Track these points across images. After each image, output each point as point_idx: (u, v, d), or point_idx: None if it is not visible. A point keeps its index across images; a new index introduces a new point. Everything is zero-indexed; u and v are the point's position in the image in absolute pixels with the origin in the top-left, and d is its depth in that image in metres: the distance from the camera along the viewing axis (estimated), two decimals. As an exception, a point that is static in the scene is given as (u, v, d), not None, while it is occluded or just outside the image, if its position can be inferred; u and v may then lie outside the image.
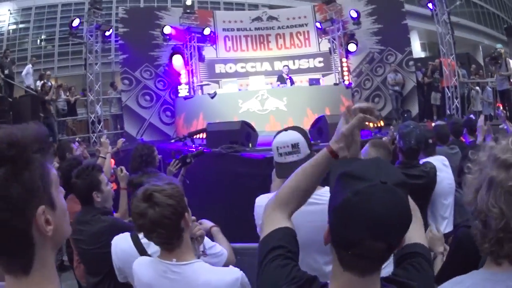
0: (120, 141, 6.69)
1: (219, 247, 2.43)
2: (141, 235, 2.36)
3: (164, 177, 2.02)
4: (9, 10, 25.06)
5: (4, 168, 0.88)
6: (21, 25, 25.61)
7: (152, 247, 2.31)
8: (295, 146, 2.16)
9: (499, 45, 12.44)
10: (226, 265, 2.32)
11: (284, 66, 13.48)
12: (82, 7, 22.56)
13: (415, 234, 1.33)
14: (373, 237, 1.01)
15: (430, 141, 3.80)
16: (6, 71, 12.33)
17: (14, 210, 0.89)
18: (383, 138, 3.91)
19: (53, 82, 13.36)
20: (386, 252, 1.06)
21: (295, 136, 2.19)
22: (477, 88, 13.62)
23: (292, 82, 12.76)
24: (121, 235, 2.50)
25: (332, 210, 1.09)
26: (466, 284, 1.19)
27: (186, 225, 1.92)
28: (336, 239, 1.09)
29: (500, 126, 9.54)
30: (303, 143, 2.18)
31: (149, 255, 2.27)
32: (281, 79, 12.65)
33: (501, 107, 11.71)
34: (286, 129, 2.27)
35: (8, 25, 25.14)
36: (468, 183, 1.22)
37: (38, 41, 26.05)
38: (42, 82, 12.47)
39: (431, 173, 3.35)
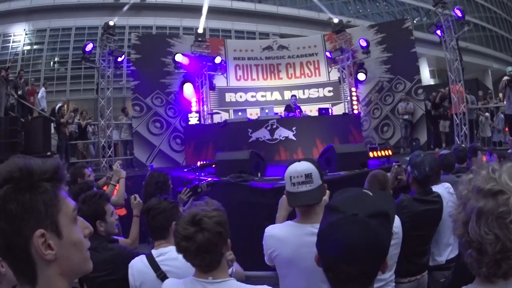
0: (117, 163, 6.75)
1: None
2: (155, 254, 2.52)
3: (208, 201, 2.02)
4: (24, 30, 25.48)
5: (7, 186, 0.99)
6: (35, 46, 25.96)
7: (165, 265, 2.45)
8: (308, 176, 2.23)
9: (510, 68, 12.13)
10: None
11: (292, 96, 13.55)
12: (96, 31, 23.02)
13: None
14: (344, 262, 1.15)
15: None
16: (20, 92, 12.64)
17: (11, 224, 0.99)
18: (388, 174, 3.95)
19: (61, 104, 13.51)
20: (363, 276, 1.18)
21: (309, 167, 2.26)
22: (487, 114, 13.53)
23: (300, 112, 12.79)
24: (137, 257, 2.59)
25: (317, 238, 1.24)
26: None
27: (227, 250, 1.98)
28: (321, 263, 1.23)
29: (509, 151, 9.61)
30: (316, 174, 2.25)
31: (162, 271, 2.42)
32: (289, 109, 12.72)
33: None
34: (299, 160, 2.34)
35: (23, 45, 25.54)
36: (454, 217, 1.29)
37: (52, 63, 26.37)
38: (60, 105, 12.67)
39: (441, 198, 3.48)
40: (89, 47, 12.77)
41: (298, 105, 13.14)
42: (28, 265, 1.02)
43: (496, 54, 34.40)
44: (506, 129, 12.27)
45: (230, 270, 2.26)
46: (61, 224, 1.05)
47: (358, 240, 1.14)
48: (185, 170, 9.54)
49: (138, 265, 2.52)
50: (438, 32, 12.52)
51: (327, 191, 2.34)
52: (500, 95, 13.92)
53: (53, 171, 1.05)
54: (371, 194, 1.28)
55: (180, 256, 2.42)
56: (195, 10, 19.89)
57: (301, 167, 2.26)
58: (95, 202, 3.03)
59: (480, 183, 1.23)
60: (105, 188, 5.79)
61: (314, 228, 2.17)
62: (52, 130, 12.21)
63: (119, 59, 13.14)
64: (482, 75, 31.82)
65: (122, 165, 5.59)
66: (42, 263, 1.02)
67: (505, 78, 11.26)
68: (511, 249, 1.17)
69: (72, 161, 12.12)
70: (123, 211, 5.23)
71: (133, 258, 2.61)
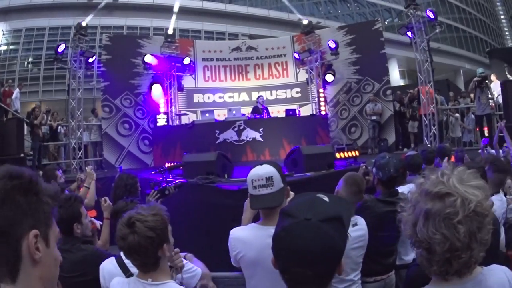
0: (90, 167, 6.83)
1: (191, 265, 2.55)
2: (124, 256, 2.50)
3: (152, 205, 2.15)
4: (2, 30, 25.22)
5: (19, 180, 1.08)
6: (11, 46, 25.75)
7: (134, 268, 2.45)
8: (269, 179, 2.27)
9: (480, 70, 12.29)
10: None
11: (258, 96, 13.53)
12: (69, 31, 22.75)
13: None
14: (298, 265, 1.17)
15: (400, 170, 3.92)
16: (-4, 93, 12.41)
17: (15, 213, 1.05)
18: None
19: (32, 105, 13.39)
20: (317, 278, 1.19)
21: (270, 170, 2.30)
22: (457, 114, 13.63)
23: (267, 113, 12.80)
24: (107, 259, 2.62)
25: (272, 242, 1.27)
26: None
27: (163, 254, 2.06)
28: (277, 265, 1.25)
29: (480, 151, 9.71)
30: (277, 177, 2.29)
31: (132, 273, 2.42)
32: (257, 110, 12.71)
33: (486, 131, 11.69)
34: (261, 163, 2.38)
35: (0, 46, 25.36)
36: (404, 220, 1.35)
37: (26, 63, 26.09)
38: (33, 106, 12.55)
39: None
40: (62, 47, 12.73)
41: (266, 106, 13.14)
42: (14, 259, 1.05)
43: (468, 54, 34.93)
44: (477, 129, 12.39)
45: (179, 276, 2.31)
46: (50, 235, 1.13)
47: (310, 244, 1.16)
48: (153, 172, 9.50)
49: (109, 267, 2.56)
50: (409, 33, 12.56)
51: (291, 193, 2.39)
52: (472, 95, 14.11)
53: (54, 194, 1.15)
54: (326, 199, 1.29)
55: None
56: (166, 11, 19.89)
57: (262, 170, 2.30)
58: (71, 205, 3.06)
59: (429, 187, 1.29)
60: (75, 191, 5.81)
61: None
62: (26, 131, 12.14)
63: (90, 60, 13.08)
64: (454, 75, 32.30)
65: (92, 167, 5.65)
66: (27, 261, 1.06)
67: (476, 79, 11.42)
68: (460, 248, 1.22)
69: (44, 163, 12.06)
70: (93, 213, 5.22)
71: (105, 259, 2.65)
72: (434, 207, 1.25)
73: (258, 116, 12.36)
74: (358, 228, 2.89)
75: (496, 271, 1.40)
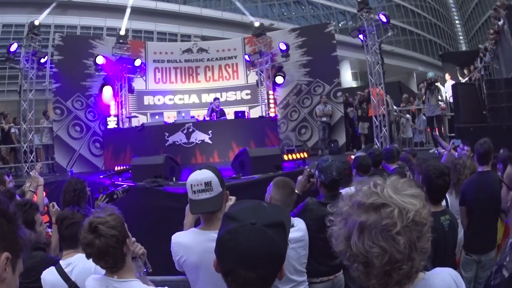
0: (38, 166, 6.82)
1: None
2: (64, 265, 2.65)
3: (104, 208, 2.24)
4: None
5: (6, 210, 1.19)
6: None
7: (75, 275, 2.59)
8: (208, 184, 2.31)
9: (430, 74, 12.63)
10: None
11: (215, 99, 13.49)
12: (22, 30, 22.20)
13: None
14: (242, 267, 1.19)
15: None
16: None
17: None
18: (298, 178, 3.91)
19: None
20: (260, 280, 1.21)
21: (208, 175, 2.34)
22: (408, 116, 13.93)
23: (222, 114, 12.83)
24: (47, 269, 2.66)
25: (216, 244, 1.29)
26: None
27: (128, 249, 2.19)
28: (220, 268, 1.28)
29: (431, 151, 9.98)
30: (216, 181, 2.33)
31: (73, 282, 2.55)
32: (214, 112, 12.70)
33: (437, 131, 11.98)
34: (200, 168, 2.43)
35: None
36: (335, 234, 1.31)
37: (-22, 62, 25.40)
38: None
39: None
40: (14, 47, 12.40)
41: (221, 108, 13.12)
42: None
43: (422, 57, 35.80)
44: (428, 129, 12.68)
45: (137, 274, 2.39)
46: (18, 263, 1.22)
47: (255, 246, 1.19)
48: (101, 176, 9.50)
49: (50, 278, 2.59)
50: (361, 36, 12.71)
51: (232, 197, 2.48)
52: (424, 96, 14.43)
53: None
54: (266, 205, 1.33)
55: (86, 265, 2.57)
56: (120, 10, 19.75)
57: (201, 175, 2.34)
58: (25, 212, 3.03)
59: (361, 198, 1.25)
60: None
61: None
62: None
63: (42, 60, 12.77)
64: (407, 77, 33.04)
65: (42, 170, 5.59)
66: None
67: (425, 82, 11.73)
68: (400, 260, 1.19)
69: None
70: (45, 218, 5.22)
71: (54, 265, 2.69)
72: (370, 219, 1.21)
73: (207, 118, 12.44)
74: (295, 229, 2.96)
75: (441, 274, 1.39)
